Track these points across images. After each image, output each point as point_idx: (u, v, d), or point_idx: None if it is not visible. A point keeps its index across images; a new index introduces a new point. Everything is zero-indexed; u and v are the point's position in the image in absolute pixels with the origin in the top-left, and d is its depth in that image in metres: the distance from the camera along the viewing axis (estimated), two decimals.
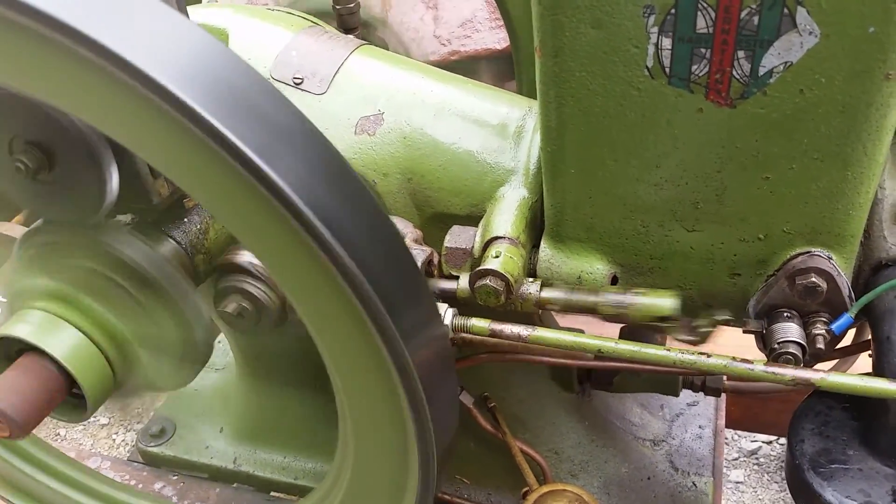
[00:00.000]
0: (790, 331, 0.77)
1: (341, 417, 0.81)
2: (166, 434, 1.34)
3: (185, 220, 0.98)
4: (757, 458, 1.92)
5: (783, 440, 1.95)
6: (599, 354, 0.78)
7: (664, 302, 0.82)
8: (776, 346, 0.77)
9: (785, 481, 1.87)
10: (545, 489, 0.95)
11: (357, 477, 0.84)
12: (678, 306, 0.82)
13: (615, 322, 0.89)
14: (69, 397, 0.85)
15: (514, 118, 1.00)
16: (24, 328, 0.82)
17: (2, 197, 2.03)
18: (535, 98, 1.01)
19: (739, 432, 1.91)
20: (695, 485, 1.15)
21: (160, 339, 0.88)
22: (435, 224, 1.01)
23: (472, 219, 0.98)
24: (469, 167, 0.98)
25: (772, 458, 1.93)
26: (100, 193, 0.83)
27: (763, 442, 1.95)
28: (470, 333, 0.84)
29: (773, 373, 0.72)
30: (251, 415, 1.32)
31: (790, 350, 0.76)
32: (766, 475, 1.88)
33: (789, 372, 0.73)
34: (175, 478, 1.30)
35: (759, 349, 0.83)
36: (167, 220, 0.96)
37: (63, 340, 0.82)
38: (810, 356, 0.78)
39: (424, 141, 1.00)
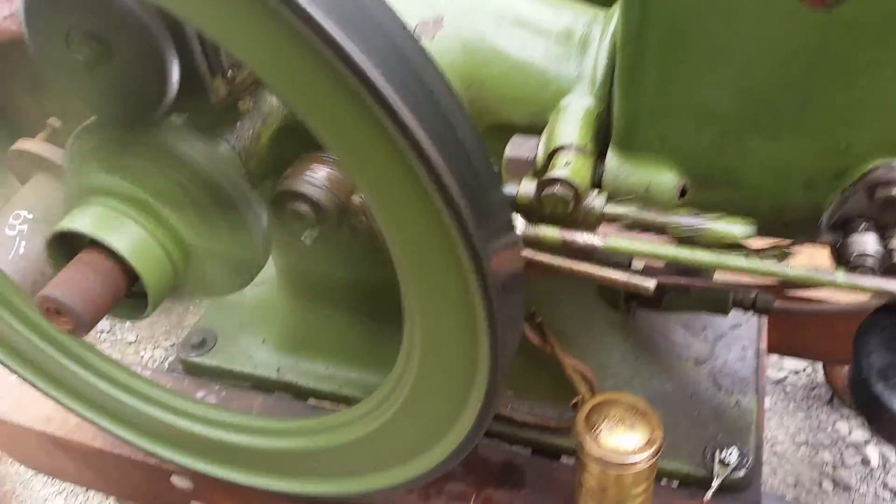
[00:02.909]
0: (867, 243, 0.76)
1: (409, 323, 0.80)
2: (207, 345, 1.35)
3: (238, 124, 0.96)
4: (784, 387, 1.94)
5: (810, 370, 1.97)
6: (676, 264, 0.76)
7: (738, 228, 0.80)
8: (852, 258, 0.76)
9: (810, 409, 1.89)
10: (599, 399, 0.95)
11: (419, 387, 0.84)
12: (752, 233, 0.80)
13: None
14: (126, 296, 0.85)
15: (578, 26, 0.96)
16: (85, 222, 0.81)
17: (24, 112, 2.00)
18: (600, 6, 0.99)
19: (769, 360, 1.92)
20: (739, 403, 1.15)
21: (220, 240, 0.87)
22: (494, 135, 0.98)
23: (534, 129, 0.95)
24: (531, 75, 0.95)
25: (798, 387, 1.94)
26: (160, 88, 0.80)
27: (791, 372, 1.96)
28: (539, 243, 0.82)
29: (856, 283, 0.71)
30: (294, 328, 1.32)
31: (868, 262, 0.75)
32: (792, 403, 1.90)
33: (872, 282, 0.72)
34: (217, 387, 1.31)
35: (832, 263, 0.81)
36: (221, 122, 0.94)
37: (125, 235, 0.81)
38: (886, 270, 0.77)
39: (485, 48, 0.97)
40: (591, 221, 0.88)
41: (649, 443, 0.91)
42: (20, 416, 1.30)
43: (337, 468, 0.98)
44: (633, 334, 1.22)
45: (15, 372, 1.14)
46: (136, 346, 2.31)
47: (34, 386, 1.14)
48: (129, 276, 0.81)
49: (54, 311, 0.77)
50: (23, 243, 1.60)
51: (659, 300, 1.12)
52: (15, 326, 1.07)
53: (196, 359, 1.33)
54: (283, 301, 1.34)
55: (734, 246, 0.80)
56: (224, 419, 1.07)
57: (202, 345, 1.35)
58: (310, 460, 1.00)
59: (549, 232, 0.81)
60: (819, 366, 1.91)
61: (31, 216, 1.67)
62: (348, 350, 1.28)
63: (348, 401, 1.26)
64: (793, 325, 1.40)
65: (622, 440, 0.92)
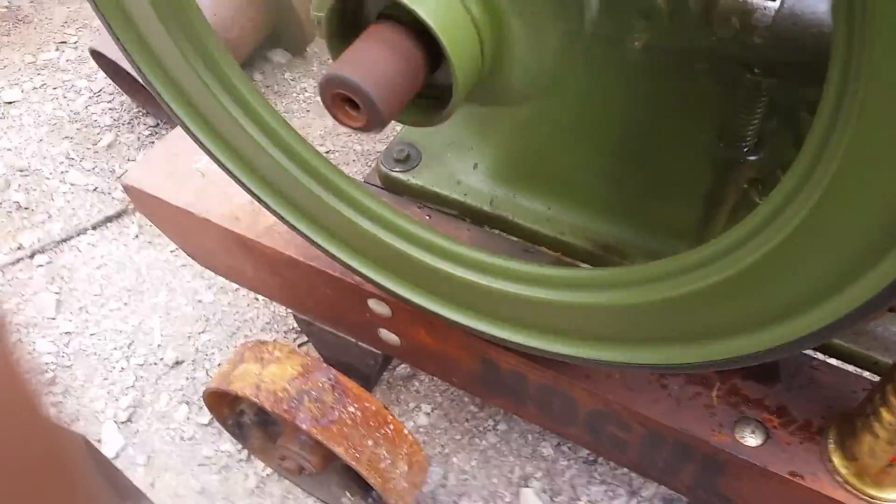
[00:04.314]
0: None
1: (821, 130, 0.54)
2: (412, 161, 1.18)
3: None
4: None
5: None
6: None
7: None
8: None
9: None
10: None
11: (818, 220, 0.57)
12: None
13: None
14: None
15: None
16: None
17: None
18: None
19: None
20: None
21: (538, 23, 0.66)
22: None
23: None
24: None
25: None
26: None
27: None
28: None
29: None
30: (515, 157, 1.14)
31: None
32: None
33: None
34: (420, 209, 1.16)
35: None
36: None
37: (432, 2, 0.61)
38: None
39: None
40: None
41: None
42: (205, 210, 1.19)
43: (620, 331, 0.80)
44: None
45: (209, 152, 0.98)
46: None
47: (229, 171, 0.99)
48: (433, 60, 0.62)
49: (343, 100, 0.60)
50: None
51: None
52: (217, 95, 0.89)
53: (399, 174, 1.17)
54: (506, 121, 1.15)
55: None
56: (454, 250, 0.91)
57: (406, 160, 1.18)
58: (561, 315, 0.84)
59: None
60: None
61: None
62: (579, 192, 1.10)
63: (572, 250, 1.10)
64: None
65: None
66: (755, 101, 0.83)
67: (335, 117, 0.62)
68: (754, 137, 0.88)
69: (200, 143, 0.98)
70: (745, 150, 0.89)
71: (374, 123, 0.60)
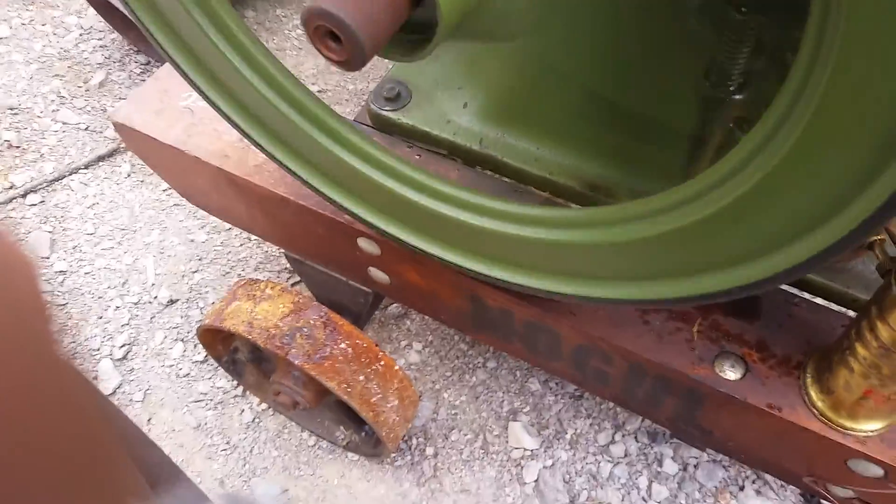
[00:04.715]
0: None
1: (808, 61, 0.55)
2: (402, 99, 1.18)
3: None
4: None
5: None
6: None
7: None
8: None
9: None
10: None
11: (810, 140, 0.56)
12: None
13: None
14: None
15: None
16: None
17: None
18: None
19: None
20: None
21: None
22: None
23: None
24: None
25: None
26: None
27: None
28: None
29: None
30: (503, 96, 1.14)
31: None
32: None
33: None
34: (410, 149, 1.16)
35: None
36: None
37: None
38: None
39: None
40: None
41: None
42: (193, 148, 1.19)
43: (605, 269, 0.82)
44: None
45: (197, 89, 0.98)
46: None
47: (218, 109, 0.98)
48: None
49: (326, 32, 0.60)
50: None
51: None
52: (206, 30, 0.88)
53: (389, 113, 1.17)
54: (495, 60, 1.14)
55: None
56: (444, 190, 0.92)
57: (396, 98, 1.18)
58: (550, 253, 0.86)
59: None
60: None
61: None
62: (567, 132, 1.10)
63: (560, 190, 1.10)
64: None
65: None
66: (742, 40, 0.83)
67: (319, 51, 0.62)
68: (741, 77, 0.88)
69: (190, 79, 0.97)
70: (732, 89, 0.90)
71: (355, 57, 0.60)
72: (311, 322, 1.21)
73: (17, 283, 0.28)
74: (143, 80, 2.06)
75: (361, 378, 1.20)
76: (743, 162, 0.62)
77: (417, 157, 1.15)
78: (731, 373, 0.94)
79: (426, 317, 1.62)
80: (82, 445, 0.35)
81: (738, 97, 0.93)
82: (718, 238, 0.69)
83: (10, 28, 2.18)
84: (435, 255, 0.97)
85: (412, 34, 0.68)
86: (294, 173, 1.01)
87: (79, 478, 0.35)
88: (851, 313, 1.03)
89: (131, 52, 2.12)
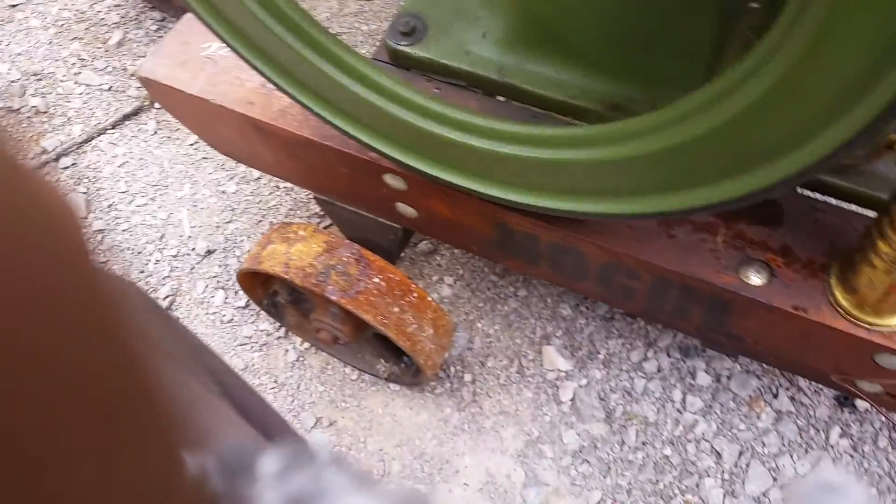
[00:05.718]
0: None
1: None
2: (418, 33, 1.19)
3: None
4: None
5: None
6: None
7: None
8: None
9: None
10: None
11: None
12: None
13: None
14: None
15: None
16: None
17: None
18: None
19: None
20: None
21: None
22: None
23: None
24: None
25: None
26: None
27: None
28: None
29: None
30: (521, 22, 1.14)
31: None
32: None
33: None
34: (429, 82, 1.18)
35: None
36: None
37: None
38: None
39: None
40: None
41: None
42: (218, 96, 1.21)
43: (621, 184, 0.84)
44: None
45: (222, 38, 1.00)
46: None
47: (241, 56, 1.01)
48: None
49: None
50: None
51: None
52: None
53: (406, 48, 1.18)
54: None
55: None
56: (465, 119, 0.94)
57: (412, 32, 1.19)
58: (575, 173, 0.88)
59: None
60: None
61: None
62: (587, 53, 1.10)
63: (581, 113, 1.12)
64: None
65: None
66: None
67: None
68: None
69: (211, 27, 0.99)
70: None
71: None
72: (345, 259, 1.25)
73: (64, 228, 0.26)
74: (161, 37, 2.08)
75: (396, 310, 1.25)
76: (772, 51, 0.63)
77: (437, 90, 1.17)
78: (756, 278, 0.97)
79: (456, 252, 1.66)
80: (113, 376, 0.27)
81: (754, 5, 0.93)
82: (749, 134, 0.70)
83: None
84: (458, 185, 0.99)
85: None
86: (316, 113, 1.04)
87: (104, 414, 0.26)
88: (874, 214, 1.04)
89: (146, 8, 2.14)
